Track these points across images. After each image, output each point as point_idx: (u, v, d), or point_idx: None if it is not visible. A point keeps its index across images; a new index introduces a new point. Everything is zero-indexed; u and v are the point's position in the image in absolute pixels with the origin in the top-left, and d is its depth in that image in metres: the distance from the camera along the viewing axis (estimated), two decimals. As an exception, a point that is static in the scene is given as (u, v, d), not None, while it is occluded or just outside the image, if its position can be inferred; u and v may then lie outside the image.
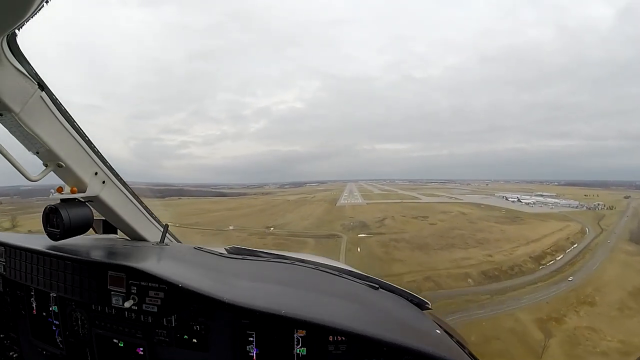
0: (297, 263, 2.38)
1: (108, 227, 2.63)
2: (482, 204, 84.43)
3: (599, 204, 75.56)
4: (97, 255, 2.02)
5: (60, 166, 1.92)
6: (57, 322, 2.14)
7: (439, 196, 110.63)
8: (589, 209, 74.09)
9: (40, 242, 2.10)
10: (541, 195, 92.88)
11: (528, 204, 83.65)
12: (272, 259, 2.46)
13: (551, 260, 45.48)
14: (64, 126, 1.87)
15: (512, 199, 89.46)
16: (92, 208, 2.17)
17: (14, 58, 1.50)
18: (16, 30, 1.38)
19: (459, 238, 55.48)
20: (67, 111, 1.87)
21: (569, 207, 77.35)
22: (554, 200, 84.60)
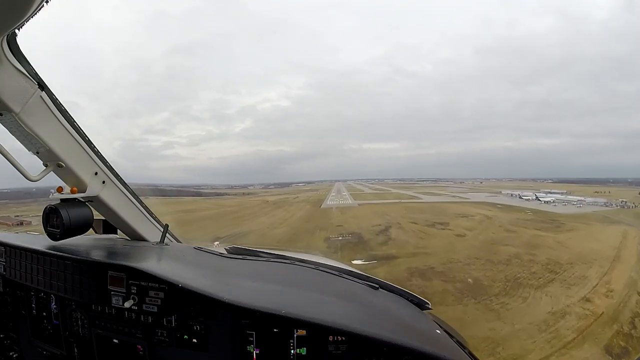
0: (297, 263, 2.40)
1: (108, 227, 2.62)
2: (498, 204, 71.70)
3: (625, 202, 67.41)
4: (97, 255, 2.02)
5: (60, 166, 1.92)
6: (57, 322, 2.14)
7: (439, 195, 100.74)
8: (622, 207, 64.55)
9: (40, 242, 2.10)
10: (550, 193, 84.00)
11: (547, 202, 71.73)
12: (272, 259, 2.48)
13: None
14: (64, 126, 1.87)
15: (527, 197, 78.33)
16: (92, 208, 2.17)
17: (14, 58, 1.49)
18: (16, 30, 1.37)
19: (517, 263, 34.21)
20: (67, 111, 1.86)
21: (596, 205, 67.28)
22: (576, 198, 74.23)
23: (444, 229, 50.39)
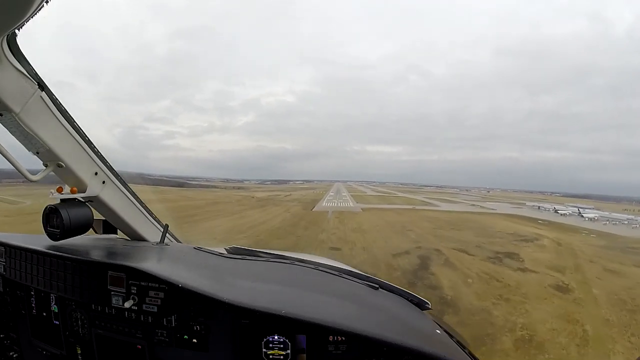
0: (297, 263, 2.40)
1: (108, 227, 2.63)
2: (539, 219, 56.02)
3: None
4: (97, 255, 2.02)
5: (60, 166, 1.93)
6: (57, 322, 2.14)
7: (455, 202, 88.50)
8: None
9: (40, 242, 2.10)
10: (583, 208, 70.63)
11: (592, 219, 59.37)
12: (272, 259, 2.48)
13: None
14: (64, 126, 1.88)
15: (563, 212, 65.77)
16: (92, 208, 2.17)
17: (13, 58, 1.50)
18: (16, 30, 1.38)
19: None
20: (67, 111, 1.87)
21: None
22: (623, 216, 61.81)
23: (522, 269, 28.16)
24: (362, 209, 63.12)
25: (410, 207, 70.55)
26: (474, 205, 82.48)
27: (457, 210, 66.89)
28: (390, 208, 67.36)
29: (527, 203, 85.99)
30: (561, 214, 65.89)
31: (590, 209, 73.50)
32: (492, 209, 72.51)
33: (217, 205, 60.97)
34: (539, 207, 77.16)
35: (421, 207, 69.64)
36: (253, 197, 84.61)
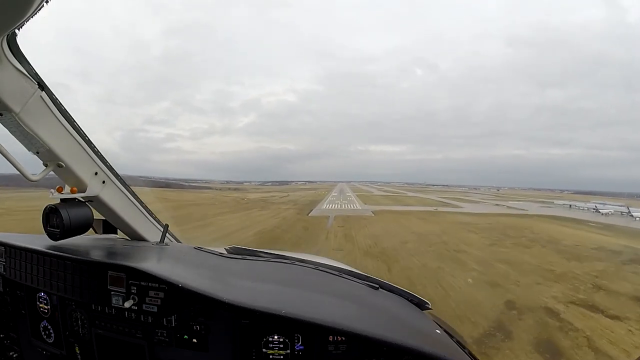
0: (297, 263, 2.39)
1: (108, 227, 2.64)
2: (590, 222, 43.18)
3: None
4: (97, 255, 2.02)
5: (60, 166, 1.93)
6: (57, 322, 2.15)
7: (475, 202, 77.73)
8: None
9: (40, 242, 2.11)
10: (629, 207, 59.71)
11: None
12: (272, 259, 2.48)
13: None
14: (64, 126, 1.88)
15: (605, 211, 56.71)
16: (92, 208, 2.18)
17: (14, 58, 1.51)
18: (16, 30, 1.38)
19: None
20: (67, 111, 1.88)
21: None
22: None
23: None
24: (373, 212, 49.14)
25: (432, 209, 55.91)
26: (498, 205, 70.03)
27: (489, 213, 52.14)
28: (407, 210, 52.64)
29: (556, 201, 78.70)
30: (603, 214, 55.27)
31: (621, 206, 63.56)
32: (524, 209, 60.25)
33: (187, 208, 47.96)
34: (570, 205, 67.46)
35: (444, 209, 55.31)
36: (244, 199, 74.20)
